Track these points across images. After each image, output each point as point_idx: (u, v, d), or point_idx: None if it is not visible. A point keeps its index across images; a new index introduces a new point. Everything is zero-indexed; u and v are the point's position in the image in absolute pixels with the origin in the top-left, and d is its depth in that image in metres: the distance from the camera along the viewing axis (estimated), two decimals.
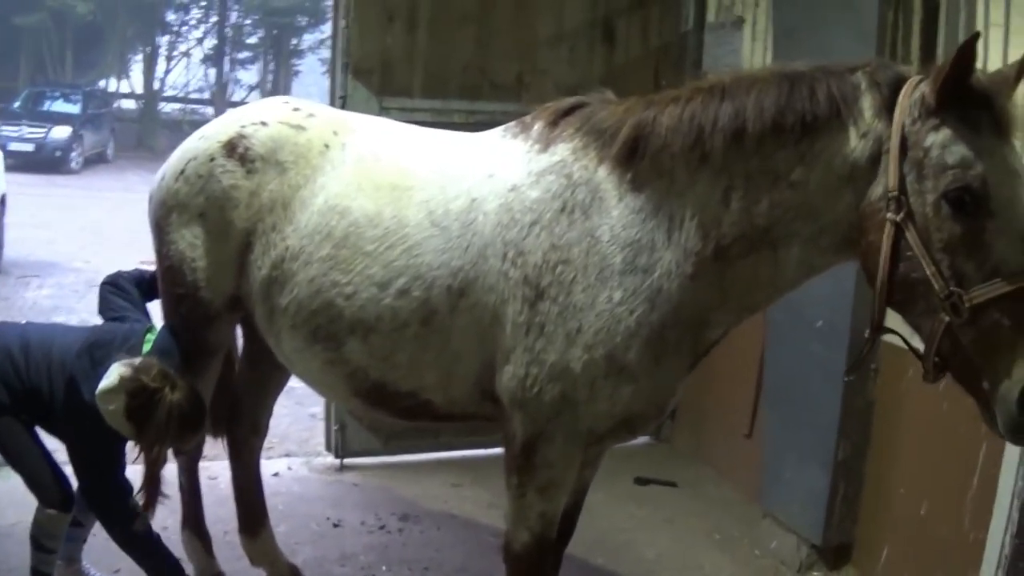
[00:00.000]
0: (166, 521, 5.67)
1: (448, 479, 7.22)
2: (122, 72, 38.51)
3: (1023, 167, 3.23)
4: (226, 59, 40.16)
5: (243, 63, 41.59)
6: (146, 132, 35.90)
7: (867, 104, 3.39)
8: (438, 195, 4.05)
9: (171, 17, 38.98)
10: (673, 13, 7.95)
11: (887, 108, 3.32)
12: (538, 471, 3.96)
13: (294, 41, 41.92)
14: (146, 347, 4.63)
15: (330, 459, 7.41)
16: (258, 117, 4.50)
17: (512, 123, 4.25)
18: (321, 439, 7.73)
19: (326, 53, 42.15)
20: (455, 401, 4.19)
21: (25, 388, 4.64)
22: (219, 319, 4.69)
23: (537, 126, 4.08)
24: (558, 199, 3.82)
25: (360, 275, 4.06)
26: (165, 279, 4.71)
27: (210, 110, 39.64)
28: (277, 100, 4.78)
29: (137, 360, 4.50)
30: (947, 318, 3.11)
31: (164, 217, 4.59)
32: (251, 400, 5.32)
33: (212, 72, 39.89)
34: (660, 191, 3.72)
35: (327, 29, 41.56)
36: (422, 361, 4.07)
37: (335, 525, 6.35)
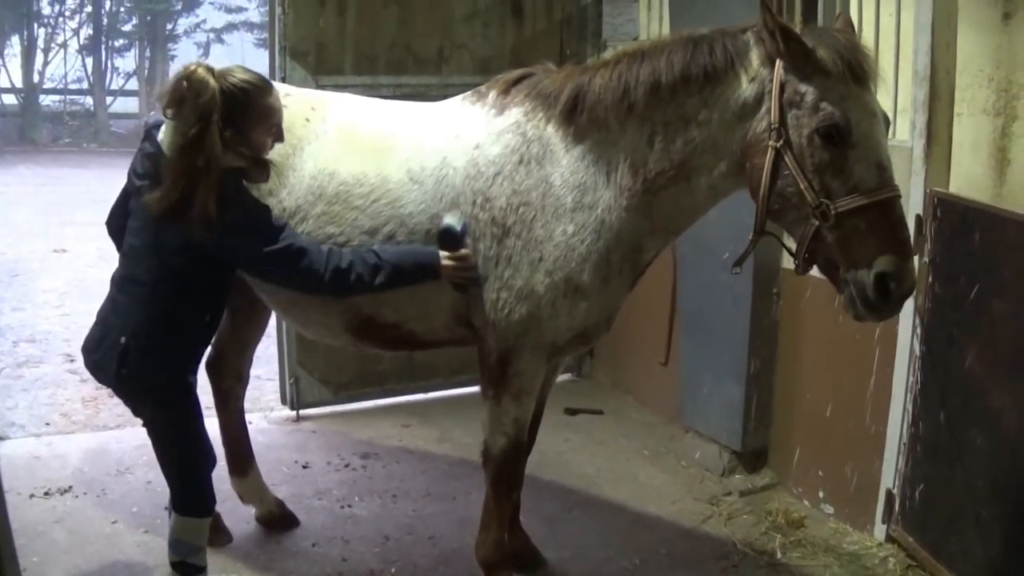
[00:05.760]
0: (149, 475, 6.20)
1: (397, 421, 7.68)
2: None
3: (879, 108, 4.03)
4: (102, 47, 39.47)
5: (119, 51, 40.88)
6: (28, 125, 34.97)
7: (755, 55, 4.14)
8: (414, 155, 4.66)
9: (46, 9, 38.19)
10: None
11: (770, 58, 4.07)
12: (511, 380, 4.64)
13: (169, 26, 41.31)
14: None
15: (286, 412, 7.80)
16: None
17: (469, 92, 4.89)
18: (270, 397, 8.15)
19: (201, 37, 41.97)
20: (434, 329, 4.82)
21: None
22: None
23: (492, 94, 4.76)
24: (516, 153, 4.51)
25: (351, 226, 4.62)
26: None
27: (89, 100, 39.15)
28: None
29: None
30: (816, 223, 3.92)
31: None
32: (234, 353, 5.75)
33: (90, 61, 39.16)
34: (598, 141, 4.44)
35: (201, 13, 41.30)
36: (406, 295, 4.63)
37: (304, 467, 6.79)
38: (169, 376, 4.42)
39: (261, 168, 4.38)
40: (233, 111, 4.18)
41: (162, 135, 4.29)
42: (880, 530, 5.74)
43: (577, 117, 4.47)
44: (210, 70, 4.20)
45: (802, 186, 3.94)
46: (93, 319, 4.58)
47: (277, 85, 5.22)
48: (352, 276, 4.31)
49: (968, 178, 5.44)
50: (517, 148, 4.53)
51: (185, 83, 4.14)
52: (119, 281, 4.48)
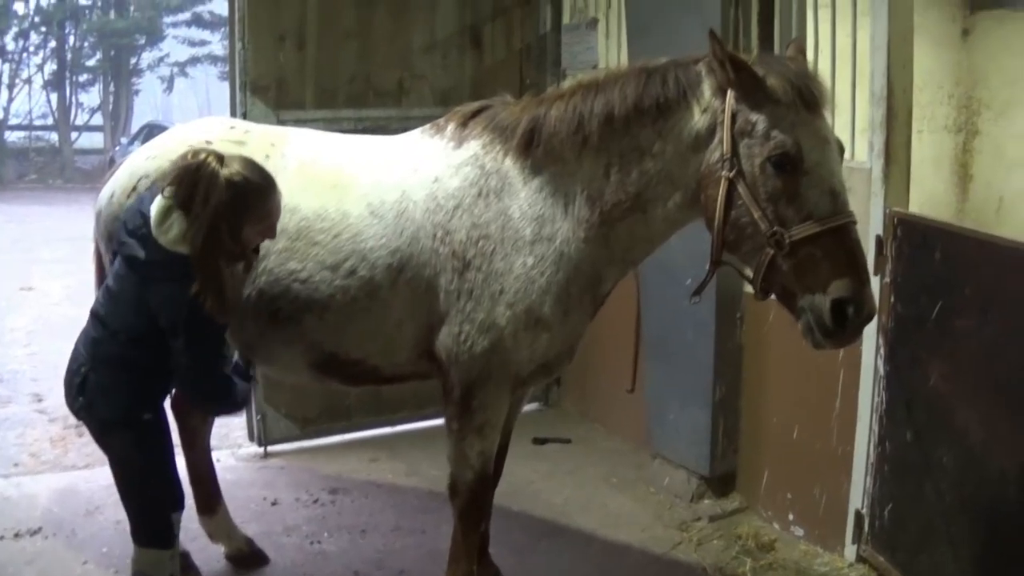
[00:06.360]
0: (118, 515, 6.08)
1: (365, 455, 7.65)
2: None
3: (832, 134, 4.04)
4: (67, 83, 39.45)
5: (84, 86, 40.90)
6: None
7: (707, 86, 4.15)
8: (373, 189, 4.66)
9: (10, 44, 38.11)
10: (532, 17, 8.44)
11: (722, 88, 4.08)
12: (475, 414, 4.62)
13: (133, 60, 41.37)
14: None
15: (254, 448, 7.76)
16: (203, 136, 4.88)
17: (427, 125, 4.90)
18: (238, 433, 8.09)
19: (164, 71, 41.99)
20: (397, 364, 4.80)
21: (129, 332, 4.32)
22: None
23: (450, 127, 4.76)
24: (475, 186, 4.51)
25: (313, 261, 4.61)
26: None
27: (54, 136, 39.08)
28: (214, 120, 5.20)
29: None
30: (771, 251, 3.91)
31: (119, 230, 5.04)
32: None
33: (54, 97, 39.11)
34: (555, 173, 4.45)
35: (165, 47, 41.36)
36: (369, 331, 4.66)
37: (272, 503, 6.74)
38: (123, 413, 4.41)
39: (245, 261, 4.46)
40: (232, 206, 4.18)
41: (155, 209, 4.22)
42: (851, 550, 5.74)
43: (533, 150, 4.48)
44: (220, 160, 4.21)
45: (756, 215, 3.94)
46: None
47: (237, 122, 5.25)
48: (218, 401, 4.54)
49: (931, 195, 5.48)
50: (476, 181, 4.54)
51: (196, 171, 4.15)
52: (91, 315, 4.49)
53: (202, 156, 4.19)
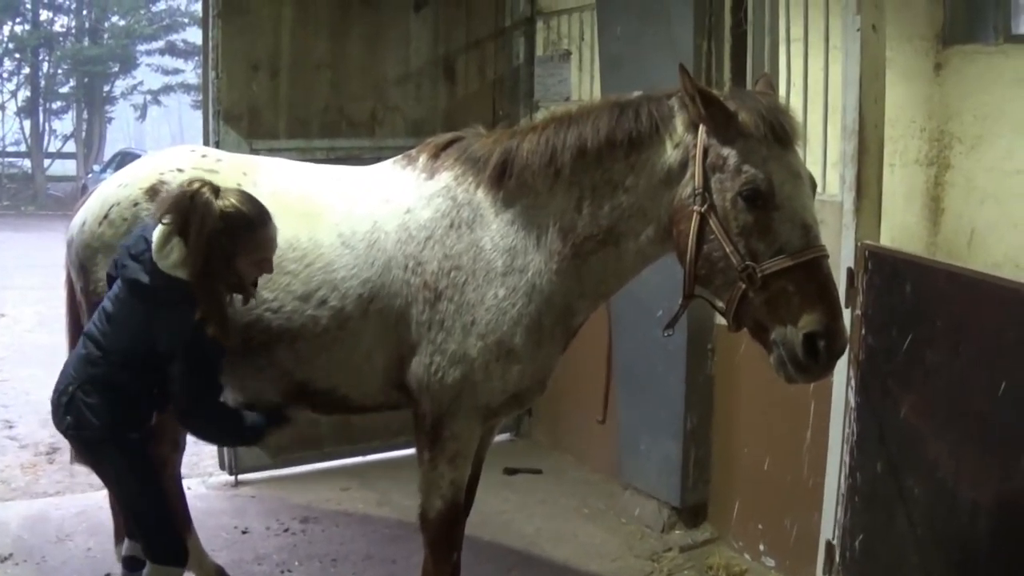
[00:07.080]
0: (88, 542, 6.16)
1: (337, 484, 7.63)
2: None
3: (803, 169, 4.05)
4: (40, 110, 39.39)
5: (57, 113, 40.87)
6: None
7: (679, 121, 4.18)
8: (345, 220, 4.67)
9: None
10: (505, 49, 8.50)
11: (694, 123, 4.10)
12: (446, 444, 4.62)
13: (106, 88, 41.34)
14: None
15: (225, 477, 7.73)
16: (174, 165, 4.91)
17: (399, 156, 4.91)
18: (208, 462, 8.05)
19: (138, 99, 41.98)
20: (367, 394, 4.80)
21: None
22: None
23: (422, 158, 4.77)
24: (447, 217, 4.52)
25: (284, 291, 4.61)
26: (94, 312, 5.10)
27: (27, 162, 38.99)
28: (185, 149, 5.20)
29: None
30: (743, 286, 3.92)
31: (90, 258, 4.91)
32: (169, 420, 5.67)
33: (27, 124, 39.03)
34: (528, 205, 4.46)
35: (138, 75, 41.39)
36: (339, 360, 4.65)
37: (243, 532, 6.72)
38: (109, 433, 4.42)
39: (242, 293, 4.49)
40: (225, 235, 4.25)
41: (156, 235, 4.29)
42: None
43: (506, 182, 4.49)
44: (215, 191, 4.28)
45: (727, 250, 3.95)
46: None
47: (208, 150, 5.24)
48: (210, 431, 4.75)
49: (903, 228, 5.49)
50: (448, 212, 4.55)
51: (191, 200, 4.22)
52: (85, 335, 4.51)
53: (196, 186, 4.27)
